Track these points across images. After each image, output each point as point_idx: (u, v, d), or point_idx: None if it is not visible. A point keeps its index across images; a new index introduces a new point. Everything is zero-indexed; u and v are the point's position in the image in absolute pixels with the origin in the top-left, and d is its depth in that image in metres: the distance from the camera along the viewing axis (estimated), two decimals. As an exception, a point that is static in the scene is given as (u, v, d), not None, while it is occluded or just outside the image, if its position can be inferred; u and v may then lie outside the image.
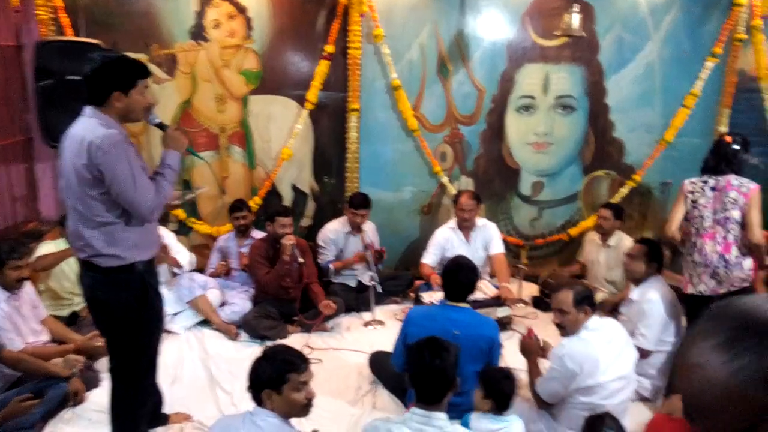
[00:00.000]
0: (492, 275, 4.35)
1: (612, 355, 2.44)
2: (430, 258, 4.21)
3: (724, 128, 4.78)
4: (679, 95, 4.75)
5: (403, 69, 4.43)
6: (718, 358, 0.74)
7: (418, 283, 4.26)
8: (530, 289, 4.59)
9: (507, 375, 2.25)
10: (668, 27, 4.65)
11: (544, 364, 2.70)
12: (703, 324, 0.79)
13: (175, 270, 3.84)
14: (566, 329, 2.50)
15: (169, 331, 3.59)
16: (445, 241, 4.23)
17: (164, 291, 2.62)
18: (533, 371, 2.70)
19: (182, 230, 4.40)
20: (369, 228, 4.37)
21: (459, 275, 2.66)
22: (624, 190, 4.89)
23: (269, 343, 3.27)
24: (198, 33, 4.13)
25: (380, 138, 4.53)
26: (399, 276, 4.53)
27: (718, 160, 3.13)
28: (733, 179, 3.09)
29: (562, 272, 4.59)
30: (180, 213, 4.33)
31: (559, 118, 4.76)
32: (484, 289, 4.10)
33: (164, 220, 4.23)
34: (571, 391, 2.42)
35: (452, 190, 4.68)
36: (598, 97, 4.75)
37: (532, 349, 2.74)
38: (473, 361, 2.49)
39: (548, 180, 4.90)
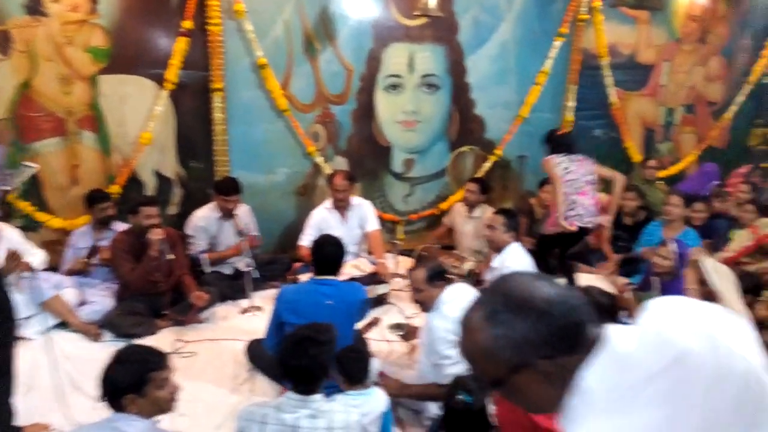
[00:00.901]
0: (370, 252, 4.44)
1: None
2: (307, 240, 4.19)
3: (572, 104, 5.22)
4: (531, 73, 5.10)
5: (268, 47, 4.31)
6: (484, 326, 0.95)
7: (296, 265, 4.23)
8: (407, 264, 4.75)
9: (355, 351, 2.32)
10: (519, 8, 4.95)
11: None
12: (481, 296, 1.01)
13: (26, 275, 3.48)
14: (424, 305, 2.62)
15: (21, 338, 3.26)
16: (322, 222, 4.23)
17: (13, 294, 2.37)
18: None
19: (31, 226, 3.99)
20: (243, 211, 4.24)
21: (325, 250, 2.77)
22: (487, 165, 5.18)
23: (137, 341, 3.09)
24: (34, 7, 3.71)
25: (249, 119, 4.39)
26: (277, 260, 4.47)
27: (569, 144, 4.12)
28: (581, 155, 4.13)
29: (430, 236, 4.83)
30: (25, 206, 3.92)
31: (425, 97, 4.91)
32: (362, 266, 4.18)
33: (8, 216, 3.81)
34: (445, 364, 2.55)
35: (327, 170, 4.67)
36: (460, 76, 4.96)
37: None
38: (350, 325, 2.70)
39: (418, 157, 5.06)
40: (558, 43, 5.05)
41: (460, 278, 4.11)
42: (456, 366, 2.37)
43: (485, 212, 4.50)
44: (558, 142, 4.19)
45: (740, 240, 4.49)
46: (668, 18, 5.44)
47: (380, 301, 4.01)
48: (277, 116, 4.46)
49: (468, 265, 4.27)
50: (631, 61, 5.42)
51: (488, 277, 3.48)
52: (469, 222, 4.66)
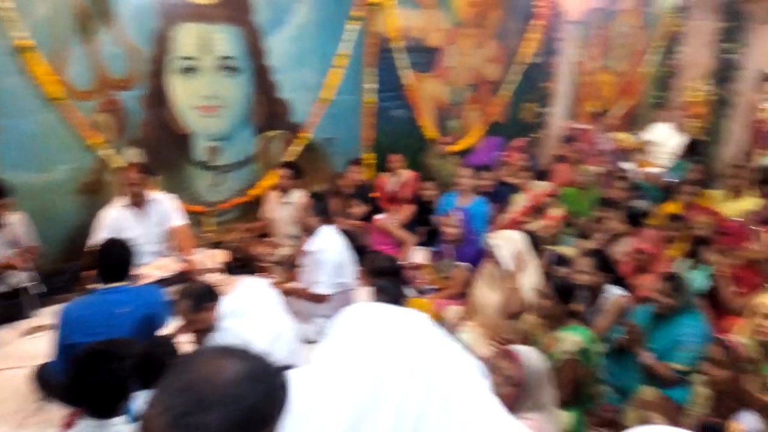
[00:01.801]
0: (178, 249, 4.13)
1: (258, 322, 2.56)
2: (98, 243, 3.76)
3: (371, 86, 5.38)
4: (331, 56, 5.14)
5: (33, 27, 3.72)
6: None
7: (88, 273, 3.77)
8: (221, 256, 4.53)
9: (151, 356, 2.17)
10: (315, -10, 4.94)
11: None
12: (161, 394, 0.87)
13: None
14: (202, 333, 2.52)
15: None
16: (115, 222, 3.81)
17: None
18: None
19: None
20: (16, 220, 3.65)
21: (109, 255, 2.55)
22: (296, 148, 5.14)
23: None
24: None
25: (13, 110, 3.77)
26: (64, 270, 3.94)
27: None
28: None
29: (246, 231, 4.67)
30: None
31: (224, 80, 4.67)
32: (169, 266, 3.88)
33: None
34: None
35: (116, 163, 4.22)
36: (260, 58, 4.81)
37: None
38: (152, 331, 2.46)
39: (223, 144, 4.83)
40: (353, 26, 5.15)
41: (276, 265, 4.04)
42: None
43: (298, 197, 4.46)
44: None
45: (520, 203, 5.08)
46: (451, 3, 5.87)
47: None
48: (48, 106, 3.89)
49: (283, 251, 4.21)
50: (421, 44, 5.75)
51: (303, 261, 3.46)
52: (284, 208, 4.59)
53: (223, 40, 4.58)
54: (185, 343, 3.20)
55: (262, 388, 0.88)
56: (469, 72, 6.24)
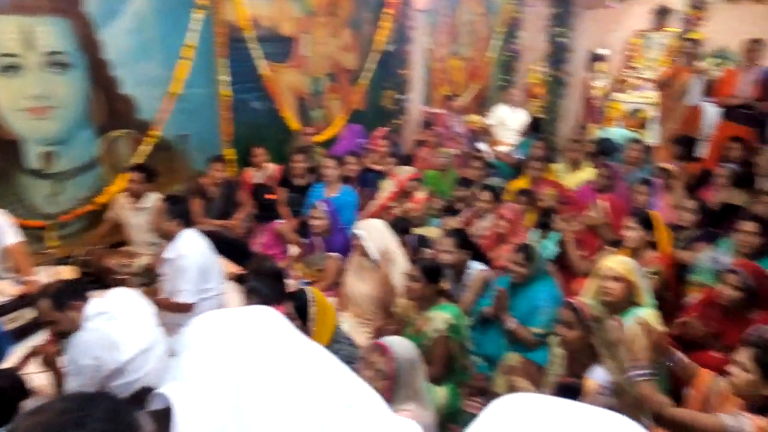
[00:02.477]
0: (15, 270, 3.68)
1: (129, 329, 2.39)
2: None
3: (224, 77, 5.15)
4: (177, 47, 4.83)
5: None
6: None
7: None
8: (68, 273, 4.10)
9: None
10: (151, -22, 4.59)
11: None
12: None
13: None
14: (65, 333, 2.31)
15: None
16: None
17: None
18: None
19: None
20: None
21: None
22: (146, 148, 4.78)
23: None
24: None
25: None
26: None
27: None
28: None
29: (95, 236, 4.30)
30: None
31: (54, 78, 4.21)
32: (6, 290, 3.45)
33: None
34: (101, 380, 2.28)
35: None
36: (95, 52, 4.39)
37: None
38: None
39: (60, 149, 4.36)
40: (197, 15, 4.87)
41: (134, 277, 3.75)
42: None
43: (154, 200, 4.16)
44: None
45: (387, 188, 5.19)
46: (301, -8, 5.78)
47: (38, 325, 3.38)
48: None
49: (141, 261, 3.92)
50: (274, 33, 5.61)
51: (163, 269, 3.25)
52: (138, 213, 4.27)
53: (49, 33, 4.11)
54: (33, 374, 2.87)
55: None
56: (326, 61, 6.21)
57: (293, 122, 5.89)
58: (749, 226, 3.45)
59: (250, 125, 5.50)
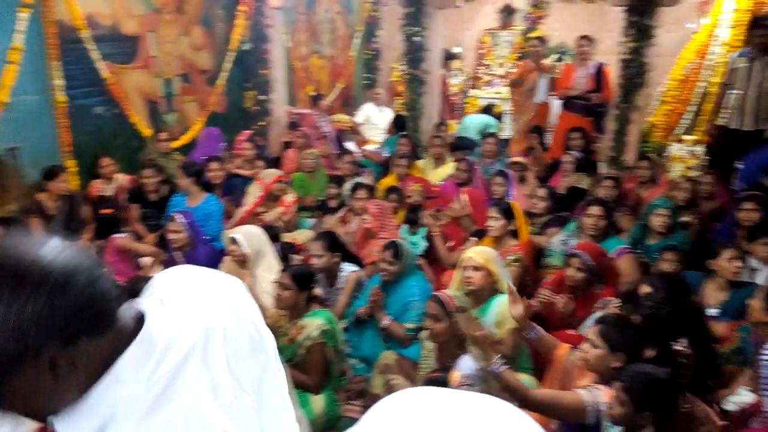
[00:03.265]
0: None
1: None
2: None
3: (59, 81, 4.63)
4: (2, 51, 4.26)
5: None
6: None
7: None
8: None
9: None
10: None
11: None
12: None
13: None
14: None
15: None
16: None
17: None
18: None
19: None
20: None
21: None
22: (-34, 165, 4.17)
23: None
24: None
25: None
26: None
27: None
28: None
29: None
30: None
31: None
32: None
33: None
34: None
35: None
36: None
37: None
38: None
39: None
40: (23, 15, 4.33)
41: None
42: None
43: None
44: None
45: (254, 193, 5.00)
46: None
47: None
48: None
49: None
50: (115, 32, 5.15)
51: None
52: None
53: None
54: None
55: (93, 290, 0.75)
56: (177, 61, 5.84)
57: (144, 128, 5.47)
58: (595, 210, 3.77)
59: (94, 133, 5.01)
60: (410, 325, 3.25)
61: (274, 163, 5.80)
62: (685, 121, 5.62)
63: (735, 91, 4.87)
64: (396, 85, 7.82)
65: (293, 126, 6.68)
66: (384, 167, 5.86)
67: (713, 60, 5.46)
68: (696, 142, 5.41)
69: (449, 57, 7.30)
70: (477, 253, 3.01)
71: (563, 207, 4.63)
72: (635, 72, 5.41)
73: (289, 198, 4.90)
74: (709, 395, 2.63)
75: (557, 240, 3.98)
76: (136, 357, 0.84)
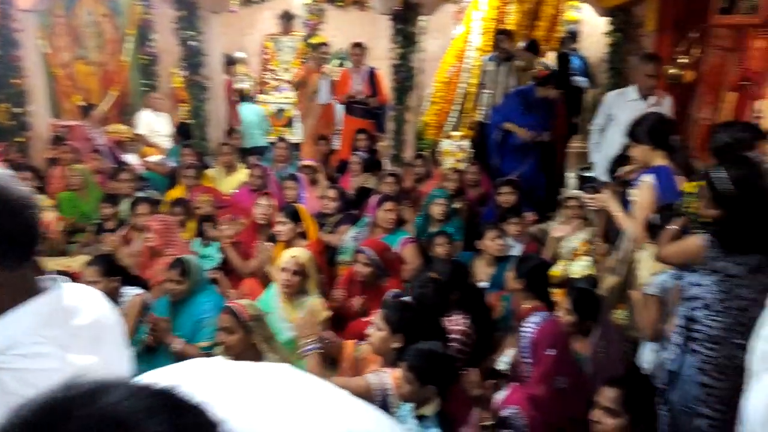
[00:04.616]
0: None
1: None
2: None
3: None
4: None
5: None
6: None
7: None
8: None
9: None
10: None
11: None
12: None
13: None
14: None
15: None
16: None
17: None
18: None
19: None
20: None
21: None
22: None
23: None
24: None
25: None
26: None
27: None
28: None
29: None
30: None
31: None
32: None
33: None
34: None
35: None
36: None
37: None
38: None
39: None
40: None
41: None
42: None
43: None
44: None
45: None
46: None
47: None
48: None
49: None
50: None
51: None
52: None
53: None
54: None
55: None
56: None
57: None
58: (388, 205, 4.04)
59: None
60: (204, 344, 3.12)
61: (39, 181, 5.12)
62: (451, 119, 6.26)
63: (486, 91, 5.58)
64: (178, 92, 7.42)
65: (59, 140, 5.95)
66: (170, 179, 5.53)
67: (469, 63, 6.18)
68: (462, 137, 6.08)
69: (231, 62, 7.14)
70: (297, 255, 3.04)
71: (353, 206, 4.86)
72: (405, 76, 5.87)
73: (50, 216, 4.34)
74: (484, 360, 2.98)
75: (349, 237, 4.15)
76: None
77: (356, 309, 3.16)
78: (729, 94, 4.69)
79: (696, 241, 2.19)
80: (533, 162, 5.26)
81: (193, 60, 6.12)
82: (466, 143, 5.98)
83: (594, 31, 6.21)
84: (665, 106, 4.22)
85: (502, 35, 5.76)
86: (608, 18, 5.73)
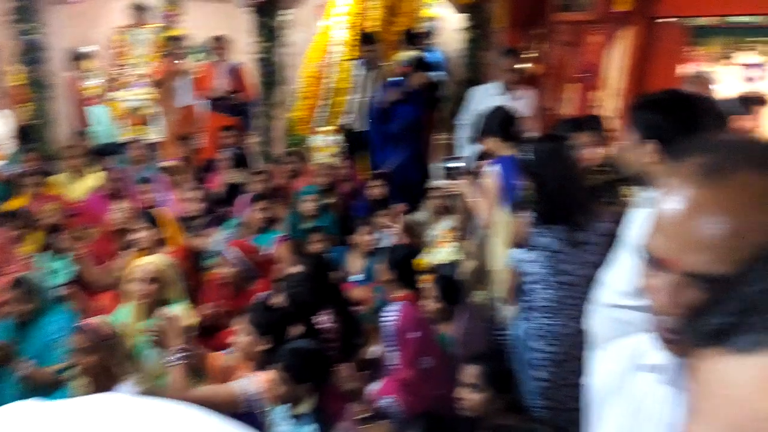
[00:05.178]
0: None
1: None
2: None
3: None
4: None
5: None
6: None
7: None
8: None
9: None
10: None
11: None
12: None
13: None
14: None
15: None
16: None
17: None
18: None
19: None
20: None
21: None
22: None
23: None
24: None
25: None
26: None
27: None
28: None
29: None
30: None
31: None
32: None
33: None
34: None
35: None
36: None
37: None
38: None
39: None
40: None
41: None
42: None
43: None
44: None
45: None
46: None
47: None
48: None
49: None
50: None
51: None
52: None
53: None
54: None
55: None
56: None
57: None
58: (260, 204, 3.97)
59: None
60: (57, 366, 2.85)
61: None
62: (320, 114, 6.24)
63: (356, 97, 5.65)
64: (17, 90, 6.67)
65: None
66: (8, 187, 4.95)
67: (335, 58, 6.18)
68: (332, 132, 6.08)
69: (78, 57, 6.53)
70: (154, 262, 2.85)
71: (223, 206, 4.68)
72: (270, 70, 5.74)
73: None
74: (356, 353, 3.02)
75: (217, 240, 4.00)
76: None
77: (221, 315, 3.05)
78: (570, 85, 5.15)
79: (521, 220, 2.41)
80: (408, 153, 5.36)
81: (32, 55, 5.53)
82: (336, 138, 5.99)
83: (451, 27, 6.48)
84: (526, 100, 4.48)
85: (365, 41, 5.77)
86: (464, 14, 6.01)
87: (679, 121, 1.55)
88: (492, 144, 3.11)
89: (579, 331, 1.96)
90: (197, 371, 2.76)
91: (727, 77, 5.30)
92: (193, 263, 3.88)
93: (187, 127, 6.14)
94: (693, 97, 1.71)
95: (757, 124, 3.90)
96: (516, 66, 4.51)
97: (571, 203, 2.27)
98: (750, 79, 5.70)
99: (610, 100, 4.45)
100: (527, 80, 5.17)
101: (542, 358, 2.32)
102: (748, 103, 3.95)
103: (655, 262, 0.77)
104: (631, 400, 0.97)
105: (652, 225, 0.77)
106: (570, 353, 2.14)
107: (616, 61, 4.30)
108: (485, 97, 4.48)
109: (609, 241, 1.96)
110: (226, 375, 2.46)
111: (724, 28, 4.31)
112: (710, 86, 4.90)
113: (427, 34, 6.67)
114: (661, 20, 3.94)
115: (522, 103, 4.32)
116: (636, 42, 4.01)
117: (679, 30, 3.92)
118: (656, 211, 0.77)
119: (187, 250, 3.87)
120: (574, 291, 2.20)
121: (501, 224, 2.78)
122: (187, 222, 4.23)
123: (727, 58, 5.02)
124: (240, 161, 5.31)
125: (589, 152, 2.82)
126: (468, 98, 4.78)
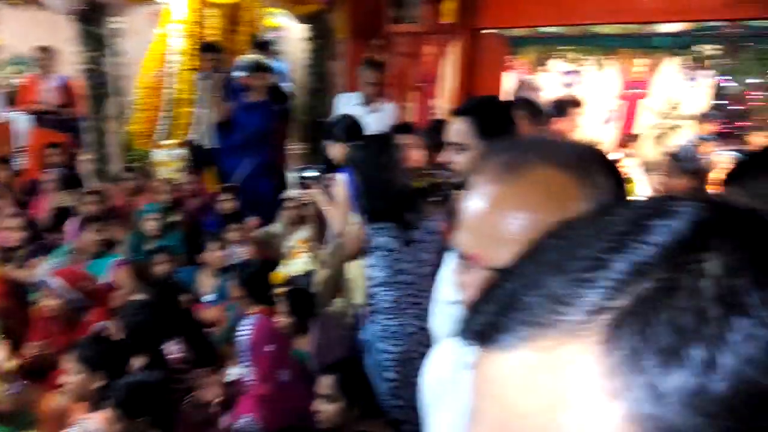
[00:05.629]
0: None
1: None
2: None
3: None
4: None
5: None
6: None
7: None
8: None
9: None
10: None
11: None
12: None
13: None
14: None
15: None
16: None
17: None
18: None
19: None
20: None
21: None
22: None
23: None
24: None
25: None
26: None
27: None
28: None
29: None
30: None
31: None
32: None
33: None
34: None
35: None
36: None
37: None
38: None
39: None
40: None
41: None
42: None
43: None
44: None
45: None
46: None
47: None
48: None
49: None
50: None
51: None
52: None
53: None
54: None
55: None
56: None
57: None
58: (92, 227, 3.62)
59: None
60: None
61: None
62: (161, 127, 5.86)
63: (200, 109, 5.39)
64: None
65: None
66: None
67: (173, 68, 5.84)
68: (177, 146, 5.74)
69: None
70: None
71: (50, 232, 4.22)
72: (99, 82, 5.29)
73: None
74: (213, 376, 2.87)
75: (44, 270, 3.59)
76: None
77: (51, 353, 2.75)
78: (411, 93, 5.39)
79: (353, 227, 2.48)
80: (257, 164, 5.17)
81: None
82: (180, 151, 5.67)
83: (295, 37, 6.46)
84: (388, 111, 4.53)
85: (206, 50, 5.50)
86: (306, 25, 6.02)
87: (490, 124, 1.67)
88: (338, 151, 3.14)
89: (422, 329, 2.03)
90: (28, 416, 2.47)
91: (548, 83, 5.91)
92: (17, 298, 3.45)
93: (2, 146, 5.47)
94: (503, 102, 1.86)
95: (573, 125, 4.35)
96: (378, 78, 4.50)
97: (397, 200, 2.35)
98: (568, 85, 6.40)
99: (447, 106, 4.73)
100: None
101: (389, 358, 2.37)
102: (563, 106, 4.39)
103: (464, 258, 0.80)
104: (460, 398, 0.99)
105: (460, 222, 0.81)
106: (416, 351, 2.21)
107: (450, 70, 4.58)
108: (346, 107, 4.46)
109: (441, 239, 2.06)
110: (60, 418, 2.22)
111: (538, 39, 4.81)
112: (537, 91, 5.40)
113: (271, 43, 6.59)
114: (484, 31, 4.28)
115: (384, 115, 4.39)
116: (463, 52, 4.31)
117: (500, 40, 4.27)
118: (462, 209, 0.80)
119: (9, 284, 3.43)
120: (414, 290, 2.29)
121: (353, 231, 2.82)
122: (7, 253, 3.75)
123: (543, 65, 5.60)
124: (70, 182, 4.83)
125: (416, 153, 2.96)
126: (334, 106, 4.77)
